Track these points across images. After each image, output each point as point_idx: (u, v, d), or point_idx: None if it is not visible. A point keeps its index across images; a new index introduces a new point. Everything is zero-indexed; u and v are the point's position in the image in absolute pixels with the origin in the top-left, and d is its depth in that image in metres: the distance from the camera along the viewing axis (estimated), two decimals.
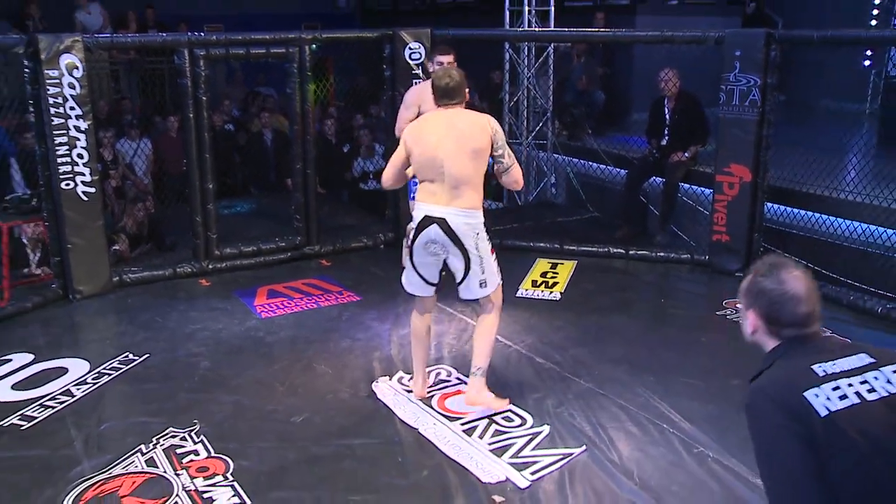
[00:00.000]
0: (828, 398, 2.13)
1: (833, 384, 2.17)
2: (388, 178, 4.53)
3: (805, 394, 2.15)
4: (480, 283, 4.35)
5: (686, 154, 7.52)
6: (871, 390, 2.17)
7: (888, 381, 2.19)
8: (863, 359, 2.26)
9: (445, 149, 4.21)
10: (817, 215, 6.71)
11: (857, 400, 2.14)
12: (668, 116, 7.63)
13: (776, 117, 6.58)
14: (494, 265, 4.39)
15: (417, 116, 5.29)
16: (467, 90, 4.47)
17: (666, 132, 7.61)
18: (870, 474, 2.07)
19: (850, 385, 2.17)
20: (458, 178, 4.21)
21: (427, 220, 4.26)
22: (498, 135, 4.32)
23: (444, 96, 4.36)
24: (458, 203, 4.23)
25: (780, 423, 2.15)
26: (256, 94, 11.93)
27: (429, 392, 4.75)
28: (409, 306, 4.71)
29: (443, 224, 4.23)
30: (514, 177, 4.41)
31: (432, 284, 4.47)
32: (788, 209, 6.90)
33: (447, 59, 5.62)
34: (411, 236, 4.35)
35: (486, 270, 4.33)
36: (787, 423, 2.13)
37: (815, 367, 2.23)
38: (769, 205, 6.80)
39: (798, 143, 6.98)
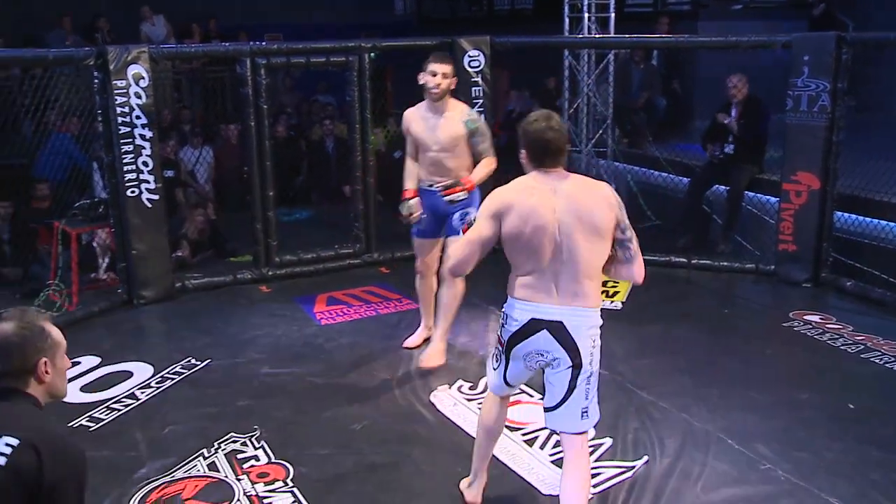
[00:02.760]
0: None
1: None
2: (464, 259, 3.38)
3: None
4: (582, 414, 3.30)
5: (733, 122, 7.37)
6: None
7: None
8: None
9: (564, 230, 3.18)
10: (891, 224, 6.55)
11: None
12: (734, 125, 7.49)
13: (846, 123, 6.44)
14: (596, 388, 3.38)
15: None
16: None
17: (730, 138, 7.48)
18: None
19: None
20: (580, 267, 3.21)
21: (535, 326, 3.27)
22: (623, 211, 3.28)
23: (547, 156, 3.27)
24: (580, 301, 3.23)
25: None
26: (313, 102, 12.05)
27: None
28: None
29: (557, 330, 3.24)
30: (639, 266, 3.35)
31: (513, 388, 3.59)
32: (860, 218, 6.74)
33: (444, 69, 5.00)
34: (507, 337, 3.35)
35: (590, 393, 3.30)
36: None
37: None
38: (839, 214, 6.65)
39: (871, 149, 6.82)
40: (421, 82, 5.06)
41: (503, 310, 3.38)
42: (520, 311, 3.27)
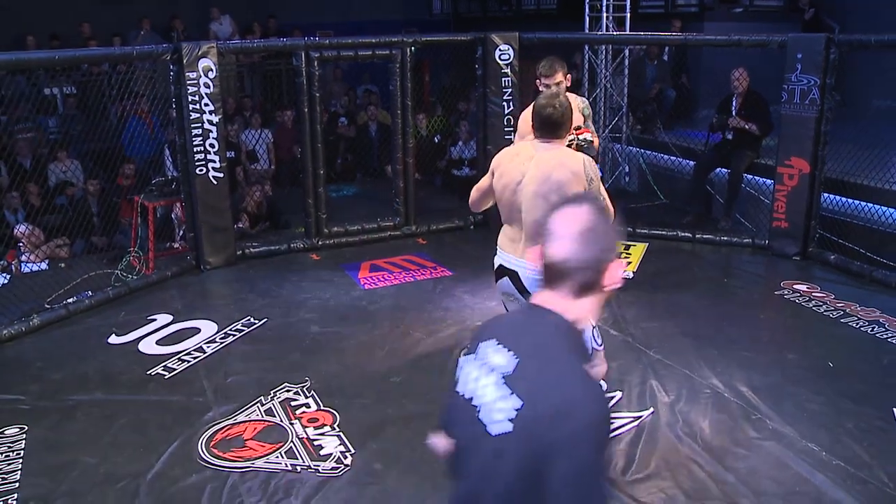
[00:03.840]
0: None
1: None
2: (473, 200, 3.71)
3: None
4: None
5: (745, 124, 7.22)
6: None
7: None
8: None
9: (527, 192, 3.34)
10: (870, 205, 6.49)
11: None
12: (734, 111, 7.40)
13: (833, 115, 6.35)
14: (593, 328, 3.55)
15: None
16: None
17: (725, 117, 7.36)
18: None
19: None
20: (535, 227, 3.26)
21: (501, 271, 3.54)
22: (594, 183, 3.35)
23: (543, 127, 3.38)
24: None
25: None
26: (355, 91, 12.13)
27: None
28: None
29: (515, 278, 3.47)
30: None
31: None
32: (843, 199, 6.66)
33: (553, 80, 4.29)
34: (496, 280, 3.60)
35: None
36: None
37: None
38: (825, 195, 6.58)
39: (852, 139, 6.74)
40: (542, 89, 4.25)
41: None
42: (497, 258, 3.55)
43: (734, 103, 7.36)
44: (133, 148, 8.28)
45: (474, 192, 3.68)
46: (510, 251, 3.48)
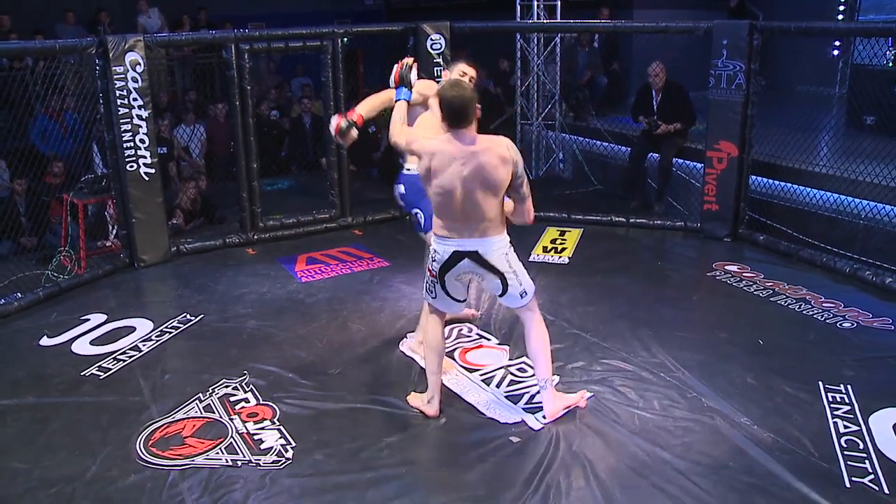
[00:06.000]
0: None
1: None
2: (395, 133, 3.82)
3: None
4: (521, 294, 3.77)
5: (671, 127, 7.39)
6: None
7: None
8: None
9: (463, 187, 3.52)
10: (795, 186, 6.70)
11: None
12: (655, 105, 7.53)
13: (759, 99, 6.52)
14: (525, 272, 3.82)
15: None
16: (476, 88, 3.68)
17: (654, 117, 7.51)
18: None
19: None
20: (475, 210, 3.57)
21: (457, 256, 3.68)
22: (519, 165, 3.57)
23: (452, 119, 3.53)
24: (484, 233, 3.62)
25: None
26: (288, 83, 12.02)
27: (451, 346, 4.75)
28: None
29: (474, 257, 3.67)
30: (527, 209, 3.74)
31: (461, 301, 3.94)
32: (770, 181, 6.85)
33: (472, 71, 4.52)
34: (437, 268, 3.76)
35: (522, 282, 3.76)
36: None
37: None
38: (753, 177, 6.74)
39: (778, 122, 6.94)
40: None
41: (431, 244, 3.80)
42: (443, 247, 3.69)
43: (654, 97, 7.49)
44: (48, 147, 8.05)
45: (401, 133, 3.79)
46: (456, 235, 3.65)
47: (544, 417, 3.92)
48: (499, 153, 3.52)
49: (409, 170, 4.48)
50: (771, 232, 6.56)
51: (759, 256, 6.32)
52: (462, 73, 4.47)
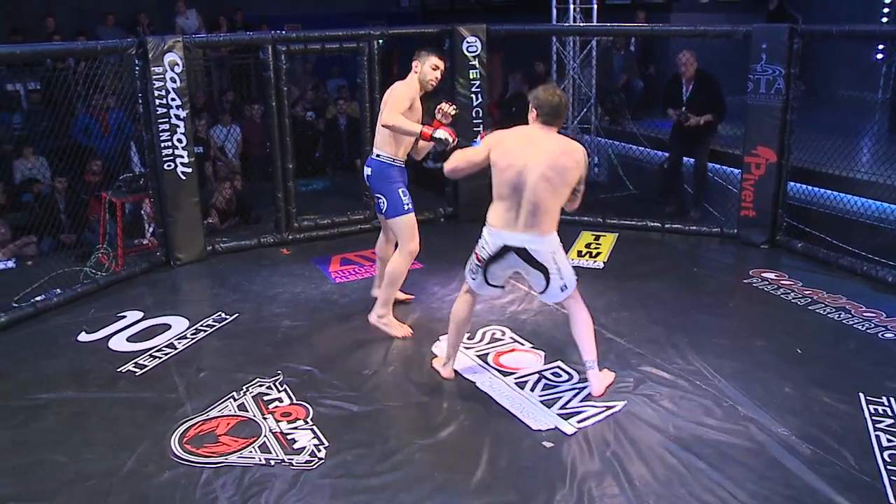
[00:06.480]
0: None
1: None
2: (456, 169, 3.99)
3: None
4: (561, 288, 3.94)
5: (701, 119, 7.24)
6: None
7: None
8: None
9: (533, 173, 3.70)
10: (836, 193, 6.58)
11: None
12: (685, 97, 7.41)
13: (798, 104, 6.41)
14: (569, 267, 3.99)
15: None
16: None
17: (683, 108, 7.39)
18: None
19: None
20: (538, 206, 3.73)
21: (506, 250, 3.85)
22: (586, 170, 3.83)
23: (551, 116, 3.79)
24: (537, 230, 3.78)
25: None
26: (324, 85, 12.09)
27: (485, 350, 4.74)
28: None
29: (522, 253, 3.83)
30: (576, 204, 3.95)
31: (500, 287, 4.14)
32: (809, 187, 6.75)
33: (443, 64, 4.87)
34: (486, 257, 3.92)
35: (564, 276, 3.92)
36: None
37: None
38: (792, 183, 6.65)
39: (818, 128, 6.83)
40: (429, 77, 4.76)
41: (483, 232, 3.93)
42: (493, 238, 3.85)
43: (684, 88, 7.38)
44: (90, 142, 8.18)
45: (461, 161, 3.94)
46: (509, 229, 3.80)
47: (579, 422, 3.90)
48: (575, 158, 3.77)
49: (378, 156, 4.83)
50: (809, 239, 6.45)
51: (797, 264, 6.23)
52: (434, 66, 4.76)
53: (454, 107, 4.74)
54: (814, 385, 4.25)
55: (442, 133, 4.56)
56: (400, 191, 4.81)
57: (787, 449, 3.66)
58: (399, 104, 4.67)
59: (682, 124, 7.36)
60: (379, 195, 4.83)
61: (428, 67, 4.76)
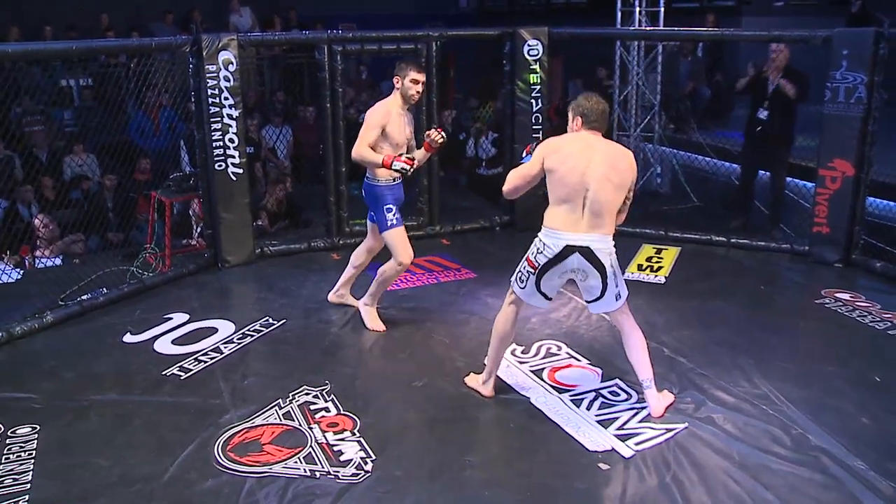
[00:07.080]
0: None
1: None
2: (517, 188, 4.05)
3: None
4: (616, 296, 3.99)
5: (789, 87, 6.91)
6: None
7: None
8: None
9: (595, 174, 3.81)
10: None
11: None
12: (769, 89, 7.10)
13: (881, 114, 6.23)
14: (621, 275, 4.07)
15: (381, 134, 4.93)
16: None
17: (766, 104, 7.10)
18: None
19: None
20: (603, 206, 3.83)
21: (569, 250, 3.87)
22: (635, 175, 3.99)
23: (596, 121, 3.94)
24: (600, 230, 3.87)
25: None
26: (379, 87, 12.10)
27: (540, 364, 4.70)
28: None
29: (586, 253, 3.86)
30: (624, 216, 4.04)
31: (549, 299, 4.10)
32: (890, 203, 6.54)
33: (423, 77, 5.03)
34: (542, 262, 3.93)
35: (619, 283, 3.99)
36: None
37: None
38: (871, 199, 6.45)
39: None
40: (411, 92, 4.95)
41: (539, 237, 3.94)
42: (554, 240, 3.87)
43: (770, 82, 7.14)
44: (144, 143, 8.35)
45: (518, 180, 4.02)
46: (572, 230, 3.85)
47: (637, 444, 3.83)
48: (629, 160, 3.93)
49: (368, 178, 5.12)
50: (890, 258, 6.25)
51: (875, 285, 6.05)
52: (413, 80, 4.92)
53: (442, 135, 5.04)
54: (893, 415, 4.11)
55: (399, 164, 4.84)
56: (385, 208, 5.08)
57: (865, 485, 3.52)
58: (367, 135, 4.93)
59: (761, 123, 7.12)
60: (372, 214, 5.22)
61: (408, 82, 4.94)
